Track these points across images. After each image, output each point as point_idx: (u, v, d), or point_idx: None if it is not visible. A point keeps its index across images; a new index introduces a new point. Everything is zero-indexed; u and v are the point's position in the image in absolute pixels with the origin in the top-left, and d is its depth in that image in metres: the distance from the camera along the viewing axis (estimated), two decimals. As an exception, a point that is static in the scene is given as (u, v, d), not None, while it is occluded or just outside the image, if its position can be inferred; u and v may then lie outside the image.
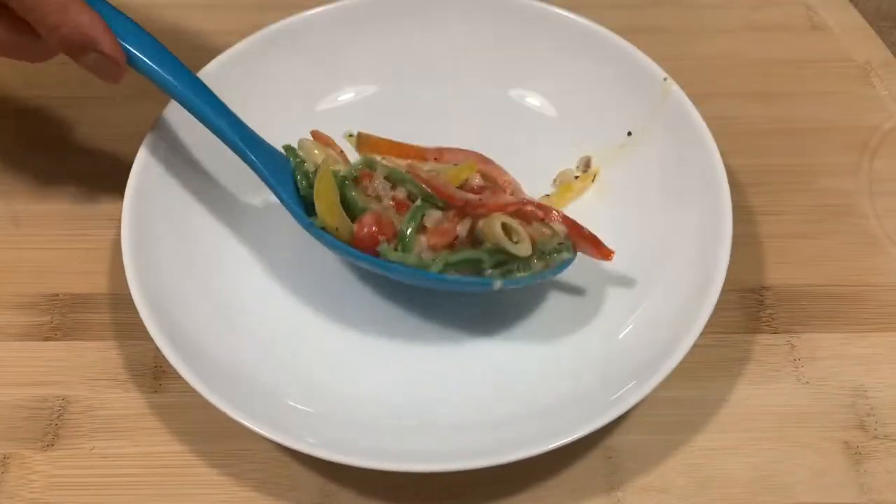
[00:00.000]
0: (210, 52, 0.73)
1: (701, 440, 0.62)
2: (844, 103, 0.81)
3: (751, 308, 0.69)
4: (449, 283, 0.60)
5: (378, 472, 0.55)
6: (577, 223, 0.64)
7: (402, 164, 0.68)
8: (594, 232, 0.64)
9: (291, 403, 0.60)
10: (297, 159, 0.65)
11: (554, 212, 0.63)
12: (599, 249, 0.64)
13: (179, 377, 0.57)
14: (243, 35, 0.74)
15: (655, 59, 0.72)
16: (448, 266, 0.59)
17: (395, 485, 0.60)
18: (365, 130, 0.73)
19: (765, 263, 0.71)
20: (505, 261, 0.60)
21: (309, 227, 0.62)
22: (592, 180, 0.72)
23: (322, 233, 0.61)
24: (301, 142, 0.66)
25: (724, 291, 0.60)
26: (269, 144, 0.66)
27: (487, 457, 0.54)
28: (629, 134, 0.73)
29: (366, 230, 0.60)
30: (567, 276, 0.66)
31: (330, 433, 0.57)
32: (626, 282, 0.67)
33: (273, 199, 0.66)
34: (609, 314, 0.65)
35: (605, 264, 0.66)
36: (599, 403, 0.57)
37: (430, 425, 0.60)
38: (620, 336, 0.63)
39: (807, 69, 0.83)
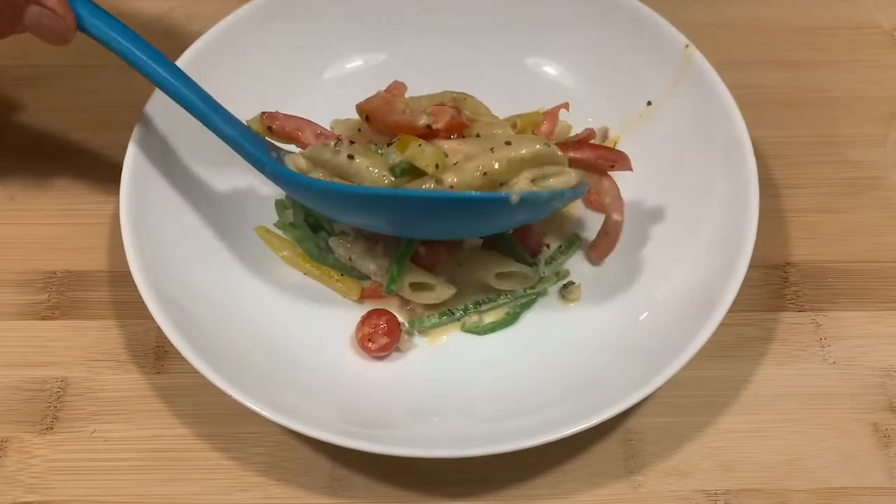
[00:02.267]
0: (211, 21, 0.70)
1: (724, 422, 0.60)
2: (872, 72, 0.78)
3: (775, 285, 0.66)
4: (468, 202, 0.55)
5: (388, 456, 0.53)
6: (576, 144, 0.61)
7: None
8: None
9: (299, 386, 0.58)
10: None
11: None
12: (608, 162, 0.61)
13: (182, 357, 0.55)
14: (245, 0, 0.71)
15: (676, 26, 0.69)
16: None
17: (406, 470, 0.58)
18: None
19: (789, 239, 0.68)
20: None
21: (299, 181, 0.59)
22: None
23: (315, 179, 0.58)
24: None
25: (747, 268, 0.58)
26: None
27: (503, 443, 0.52)
28: (649, 104, 0.70)
29: None
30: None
31: (339, 418, 0.55)
32: (647, 260, 0.64)
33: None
34: (630, 294, 0.63)
35: (625, 245, 0.64)
36: (621, 386, 0.55)
37: (443, 411, 0.58)
38: (642, 317, 0.61)
39: (833, 36, 0.80)
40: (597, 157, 0.62)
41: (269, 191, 0.68)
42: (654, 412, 0.60)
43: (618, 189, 0.64)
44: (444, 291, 0.61)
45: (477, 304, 0.62)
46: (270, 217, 0.67)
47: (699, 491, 0.57)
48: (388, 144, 0.60)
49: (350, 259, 0.61)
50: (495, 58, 0.72)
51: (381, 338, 0.60)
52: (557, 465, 0.58)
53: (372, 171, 0.58)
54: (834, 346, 0.63)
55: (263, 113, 0.63)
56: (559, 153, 0.58)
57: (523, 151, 0.57)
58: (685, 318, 0.57)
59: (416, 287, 0.62)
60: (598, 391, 0.55)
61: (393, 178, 0.57)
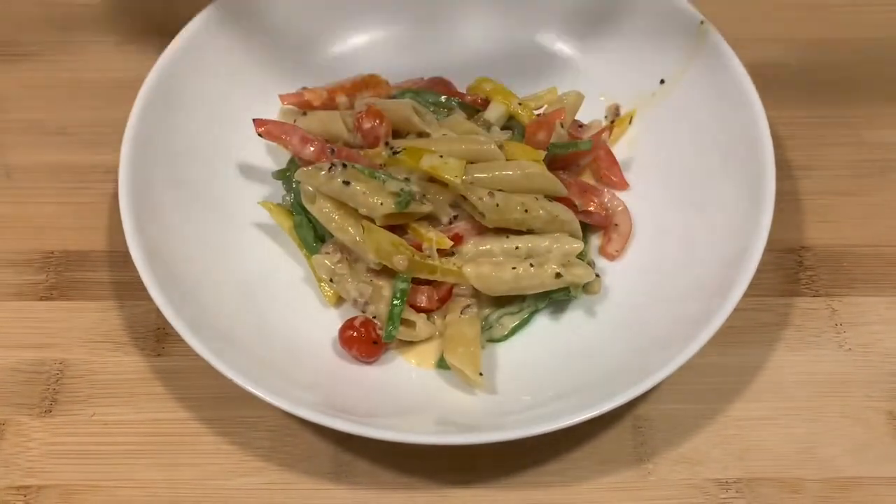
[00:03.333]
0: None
1: (736, 409, 0.59)
2: (891, 50, 0.75)
3: (790, 269, 0.64)
4: None
5: (393, 442, 0.52)
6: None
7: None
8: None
9: (301, 371, 0.57)
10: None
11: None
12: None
13: (183, 340, 0.53)
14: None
15: (691, 1, 0.67)
16: None
17: (412, 454, 0.57)
18: (379, 74, 0.68)
19: (804, 222, 0.67)
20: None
21: None
22: (629, 122, 0.68)
23: None
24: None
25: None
26: None
27: (511, 430, 0.51)
28: (662, 82, 0.68)
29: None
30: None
31: (342, 403, 0.54)
32: (659, 245, 0.62)
33: (276, 153, 0.62)
34: (642, 279, 0.61)
35: (637, 229, 0.63)
36: (632, 373, 0.53)
37: (449, 399, 0.56)
38: (654, 302, 0.59)
39: (851, 13, 0.77)
40: (598, 218, 0.63)
41: (271, 169, 0.66)
42: (664, 399, 0.59)
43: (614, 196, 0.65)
44: (424, 330, 0.59)
45: (499, 316, 0.60)
46: (272, 197, 0.66)
47: (710, 479, 0.56)
48: (391, 151, 0.59)
49: (332, 280, 0.59)
50: (505, 33, 0.70)
51: (360, 346, 0.58)
52: (566, 453, 0.57)
53: (368, 198, 0.57)
54: (850, 332, 0.62)
55: (254, 119, 0.62)
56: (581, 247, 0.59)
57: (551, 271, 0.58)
58: (698, 303, 0.56)
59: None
60: (608, 378, 0.54)
61: (393, 206, 0.56)
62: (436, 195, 0.59)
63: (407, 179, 0.58)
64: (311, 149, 0.61)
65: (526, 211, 0.58)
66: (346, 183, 0.57)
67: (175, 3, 0.79)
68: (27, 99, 0.73)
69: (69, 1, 0.79)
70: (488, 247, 0.59)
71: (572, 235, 0.60)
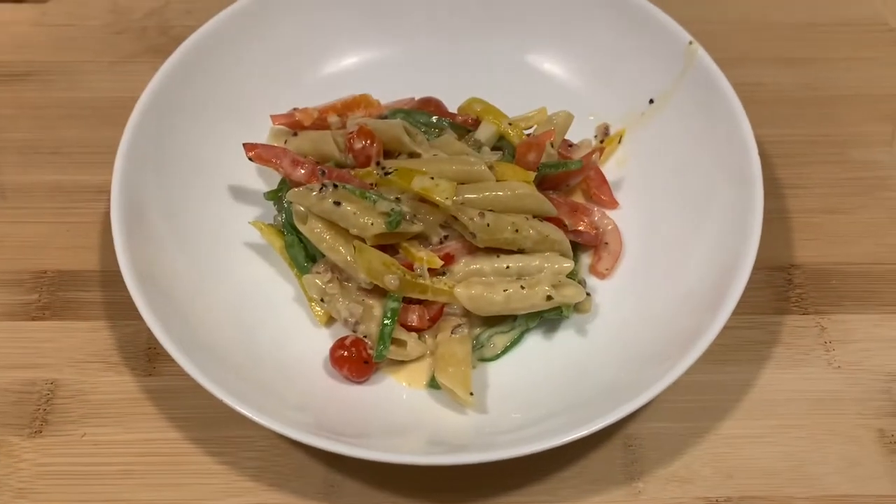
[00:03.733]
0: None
1: (726, 428, 0.59)
2: (878, 70, 0.76)
3: (779, 287, 0.65)
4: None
5: (383, 462, 0.52)
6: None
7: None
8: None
9: (292, 391, 0.57)
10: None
11: None
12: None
13: (174, 359, 0.53)
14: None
15: (679, 22, 0.68)
16: None
17: (403, 474, 0.57)
18: (370, 94, 0.68)
19: (793, 240, 0.67)
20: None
21: None
22: (619, 141, 0.68)
23: None
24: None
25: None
26: None
27: (499, 450, 0.51)
28: (651, 102, 0.68)
29: None
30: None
31: (333, 424, 0.54)
32: (649, 262, 0.63)
33: (267, 175, 0.62)
34: (631, 297, 0.61)
35: (626, 246, 0.63)
36: (622, 391, 0.53)
37: (438, 418, 0.56)
38: (644, 320, 0.60)
39: (839, 33, 0.78)
40: (588, 237, 0.64)
41: (262, 189, 0.66)
42: (654, 417, 0.59)
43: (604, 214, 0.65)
44: (415, 349, 0.59)
45: (490, 335, 0.60)
46: (264, 217, 0.66)
47: (700, 498, 0.56)
48: (383, 171, 0.59)
49: (322, 300, 0.60)
50: (495, 54, 0.71)
51: (351, 366, 0.58)
52: (555, 472, 0.57)
53: (359, 218, 0.57)
54: (839, 349, 0.62)
55: (244, 144, 0.62)
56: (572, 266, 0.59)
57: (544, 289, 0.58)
58: (688, 321, 0.56)
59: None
60: (599, 397, 0.54)
61: (383, 226, 0.56)
62: (426, 215, 0.59)
63: (398, 199, 0.58)
64: (302, 171, 0.61)
65: (516, 231, 0.58)
66: (337, 203, 0.58)
67: (170, 24, 0.80)
68: (21, 119, 0.74)
69: (64, 21, 0.80)
70: (479, 266, 0.59)
71: (563, 255, 0.60)
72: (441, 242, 0.60)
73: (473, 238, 0.59)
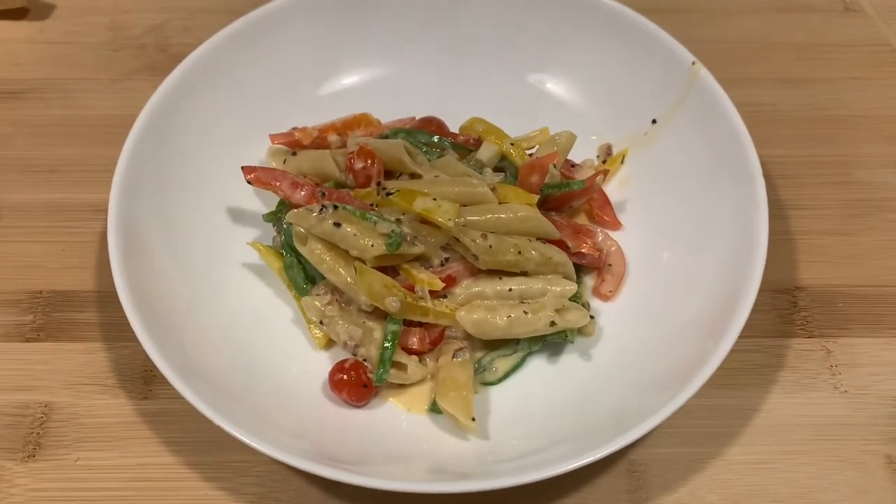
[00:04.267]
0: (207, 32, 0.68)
1: (731, 453, 0.58)
2: (881, 90, 0.76)
3: (783, 310, 0.64)
4: None
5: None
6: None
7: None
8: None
9: (290, 417, 0.56)
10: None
11: None
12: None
13: (170, 382, 0.52)
14: (241, 13, 0.69)
15: (682, 42, 0.67)
16: None
17: (403, 500, 0.55)
18: (371, 113, 0.68)
19: (797, 262, 0.67)
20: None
21: None
22: (622, 162, 0.68)
23: None
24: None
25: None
26: None
27: (502, 478, 0.50)
28: (654, 122, 0.68)
29: None
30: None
31: (331, 450, 0.53)
32: (652, 286, 0.62)
33: (265, 195, 0.62)
34: (635, 322, 0.61)
35: (629, 270, 0.63)
36: (625, 418, 0.52)
37: (439, 445, 0.56)
38: (648, 345, 0.59)
39: (842, 54, 0.78)
40: (591, 259, 0.63)
41: (261, 210, 0.66)
42: (659, 443, 0.58)
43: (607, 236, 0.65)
44: (416, 373, 0.58)
45: (492, 359, 0.59)
46: (262, 238, 0.65)
47: (706, 525, 0.55)
48: (384, 192, 0.58)
49: (321, 322, 0.59)
50: (496, 74, 0.71)
51: (350, 390, 0.57)
52: (558, 498, 0.56)
53: (359, 239, 0.57)
54: (845, 373, 0.61)
55: (242, 167, 0.62)
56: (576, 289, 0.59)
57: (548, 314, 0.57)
58: (693, 345, 0.55)
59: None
60: (603, 422, 0.53)
61: (384, 247, 0.56)
62: (427, 237, 0.58)
63: (398, 221, 0.58)
64: (302, 193, 0.60)
65: (519, 253, 0.58)
66: (337, 224, 0.57)
67: (168, 41, 0.79)
68: (18, 137, 0.73)
69: (62, 39, 0.79)
70: (481, 289, 0.58)
71: (566, 277, 0.60)
72: (442, 264, 0.59)
73: (476, 260, 0.58)
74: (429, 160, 0.63)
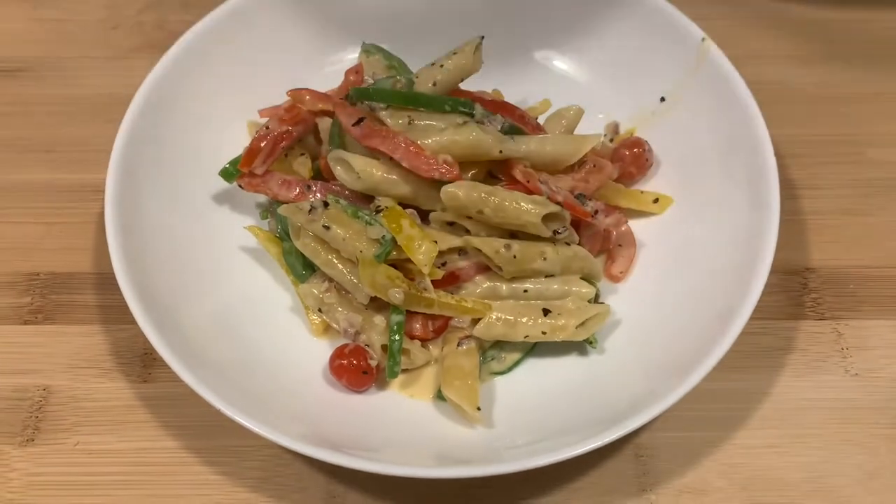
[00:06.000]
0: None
1: (740, 437, 0.57)
2: (894, 67, 0.74)
3: (794, 292, 0.63)
4: None
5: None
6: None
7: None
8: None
9: (292, 400, 0.55)
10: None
11: None
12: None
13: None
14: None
15: (691, 18, 0.66)
16: None
17: (405, 485, 0.55)
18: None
19: (808, 243, 0.65)
20: None
21: None
22: None
23: None
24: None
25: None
26: None
27: (507, 463, 0.49)
28: (662, 100, 0.66)
29: None
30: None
31: (334, 434, 0.52)
32: (660, 267, 0.61)
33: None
34: (644, 304, 0.59)
35: (640, 251, 0.61)
36: (633, 402, 0.51)
37: (444, 429, 0.55)
38: (655, 327, 0.58)
39: (854, 30, 0.76)
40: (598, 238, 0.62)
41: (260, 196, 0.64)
42: (667, 427, 0.57)
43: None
44: (419, 357, 0.57)
45: (500, 348, 0.58)
46: (261, 222, 0.64)
47: (715, 510, 0.55)
48: (375, 208, 0.57)
49: (320, 309, 0.58)
50: (502, 51, 0.69)
51: (350, 376, 0.56)
52: (566, 483, 0.55)
53: (349, 243, 0.55)
54: (856, 356, 0.60)
55: (238, 183, 0.61)
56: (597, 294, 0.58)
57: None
58: (702, 327, 0.54)
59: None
60: (611, 407, 0.52)
61: (373, 253, 0.54)
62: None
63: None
64: (292, 193, 0.60)
65: (545, 259, 0.57)
66: (327, 227, 0.56)
67: (167, 19, 0.78)
68: (14, 116, 0.72)
69: (58, 16, 0.78)
70: (492, 285, 0.57)
71: (591, 275, 0.58)
72: (444, 264, 0.57)
73: (500, 271, 0.57)
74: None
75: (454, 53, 0.61)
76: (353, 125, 0.57)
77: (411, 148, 0.56)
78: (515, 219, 0.56)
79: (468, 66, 0.60)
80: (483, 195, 0.56)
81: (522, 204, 0.56)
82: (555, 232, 0.57)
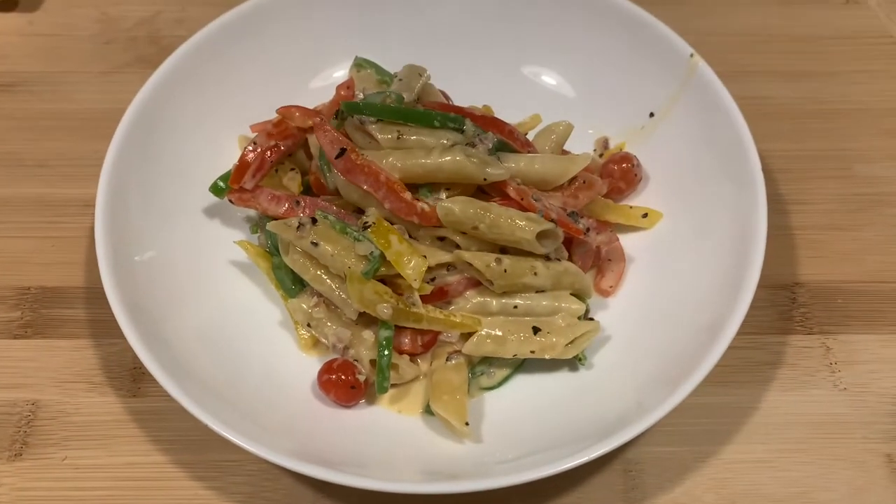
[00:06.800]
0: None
1: (728, 452, 0.57)
2: (882, 83, 0.75)
3: (782, 306, 0.63)
4: None
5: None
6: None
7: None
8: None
9: (281, 415, 0.55)
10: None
11: None
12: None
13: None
14: (234, 5, 0.68)
15: (680, 34, 0.66)
16: None
17: (395, 501, 0.55)
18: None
19: (797, 257, 0.66)
20: None
21: None
22: None
23: None
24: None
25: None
26: None
27: (493, 478, 0.49)
28: (651, 115, 0.67)
29: None
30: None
31: (321, 450, 0.52)
32: (649, 281, 0.61)
33: None
34: (632, 318, 0.60)
35: (629, 266, 0.62)
36: (620, 417, 0.51)
37: (431, 444, 0.55)
38: (644, 342, 0.58)
39: (842, 46, 0.77)
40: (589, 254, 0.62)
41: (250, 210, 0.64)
42: (655, 441, 0.57)
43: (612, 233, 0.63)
44: (408, 371, 0.57)
45: (489, 364, 0.58)
46: (250, 236, 0.64)
47: (703, 525, 0.55)
48: (363, 224, 0.57)
49: (309, 324, 0.58)
50: (490, 66, 0.69)
51: (338, 391, 0.56)
52: (553, 498, 0.55)
53: (337, 260, 0.55)
54: (845, 371, 0.60)
55: (227, 198, 0.62)
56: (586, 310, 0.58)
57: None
58: (690, 342, 0.55)
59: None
60: (599, 421, 0.52)
61: (361, 269, 0.54)
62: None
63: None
64: (281, 209, 0.60)
65: (535, 274, 0.57)
66: (315, 244, 0.56)
67: (160, 34, 0.78)
68: (6, 130, 0.72)
69: (52, 31, 0.78)
70: (483, 300, 0.57)
71: (581, 291, 0.59)
72: (433, 279, 0.58)
73: (491, 285, 0.57)
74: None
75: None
76: (336, 158, 0.57)
77: (395, 186, 0.56)
78: (510, 235, 0.56)
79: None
80: (479, 211, 0.56)
81: (517, 221, 0.56)
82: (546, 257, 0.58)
